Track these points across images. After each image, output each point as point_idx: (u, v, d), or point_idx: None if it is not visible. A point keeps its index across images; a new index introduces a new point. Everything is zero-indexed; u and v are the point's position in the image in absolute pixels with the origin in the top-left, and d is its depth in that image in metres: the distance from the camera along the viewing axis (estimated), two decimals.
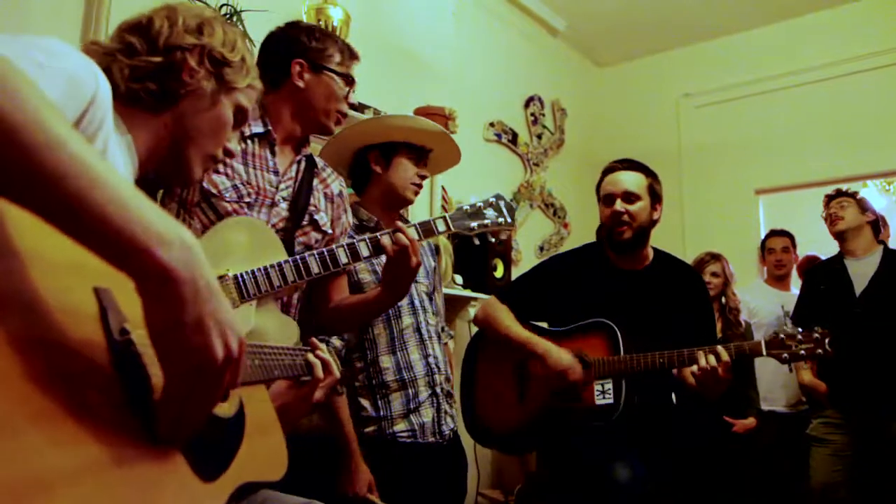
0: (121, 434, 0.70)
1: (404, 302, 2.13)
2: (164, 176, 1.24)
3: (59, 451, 0.62)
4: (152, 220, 0.65)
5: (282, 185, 1.67)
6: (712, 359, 2.02)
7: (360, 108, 3.21)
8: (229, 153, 1.22)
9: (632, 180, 2.33)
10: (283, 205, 1.66)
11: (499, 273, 3.64)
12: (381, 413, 2.05)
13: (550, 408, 2.25)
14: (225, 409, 0.97)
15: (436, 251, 3.30)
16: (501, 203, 1.75)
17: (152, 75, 1.10)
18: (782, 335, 2.09)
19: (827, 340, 2.04)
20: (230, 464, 0.91)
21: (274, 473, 1.07)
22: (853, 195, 3.22)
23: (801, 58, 4.70)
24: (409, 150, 2.16)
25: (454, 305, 3.53)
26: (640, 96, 5.38)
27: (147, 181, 1.17)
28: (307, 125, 1.74)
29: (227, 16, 2.65)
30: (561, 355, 2.18)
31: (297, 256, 1.47)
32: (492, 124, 4.39)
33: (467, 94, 4.09)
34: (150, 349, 0.77)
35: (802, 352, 2.06)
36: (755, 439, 3.45)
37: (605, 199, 2.36)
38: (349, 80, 1.78)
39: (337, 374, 1.39)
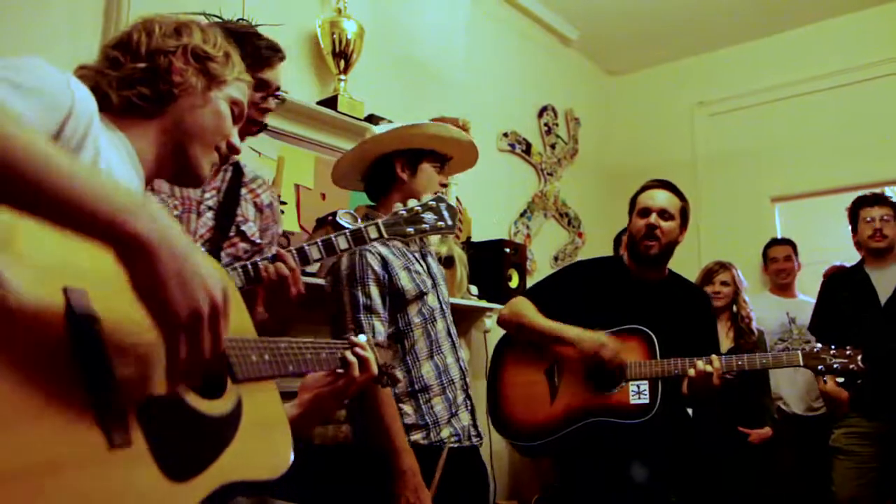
0: (81, 435, 0.71)
1: (436, 305, 2.11)
2: (175, 178, 1.26)
3: (15, 454, 0.62)
4: (117, 194, 0.74)
5: (206, 194, 1.65)
6: (707, 365, 2.16)
7: (374, 119, 3.23)
8: (234, 149, 1.24)
9: (669, 200, 2.43)
10: (210, 214, 1.64)
11: (514, 283, 3.64)
12: (428, 419, 2.02)
13: (583, 407, 2.29)
14: (214, 407, 0.95)
15: (450, 262, 3.31)
16: (442, 206, 1.63)
17: (141, 81, 1.13)
18: (816, 349, 2.19)
19: (859, 357, 2.14)
20: (212, 463, 0.89)
21: (269, 472, 1.04)
22: (892, 205, 3.14)
23: (817, 64, 4.67)
24: (434, 158, 2.14)
25: (469, 316, 3.53)
26: (653, 105, 5.37)
27: None
28: None
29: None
30: (595, 334, 2.28)
31: None
32: (505, 134, 4.40)
33: (481, 104, 4.11)
34: (118, 343, 0.79)
35: (836, 365, 2.17)
36: (776, 444, 3.43)
37: (641, 212, 2.43)
38: (257, 85, 1.67)
39: (375, 370, 1.38)
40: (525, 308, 2.45)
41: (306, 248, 1.47)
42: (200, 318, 0.78)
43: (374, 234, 1.52)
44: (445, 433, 2.03)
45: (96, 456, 0.72)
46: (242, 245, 1.68)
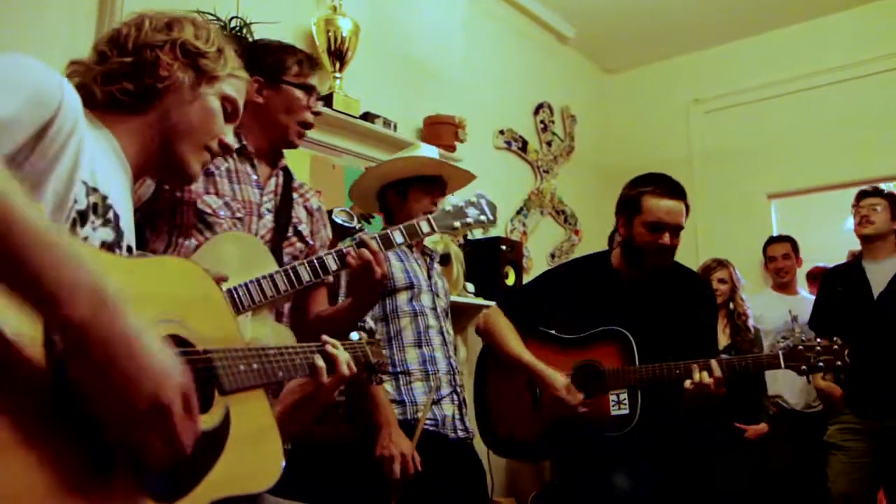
0: (63, 463, 0.69)
1: (428, 306, 2.25)
2: (163, 175, 1.25)
3: None
4: (63, 267, 0.66)
5: (265, 198, 1.72)
6: (705, 375, 2.04)
7: (370, 117, 3.22)
8: (226, 147, 1.21)
9: (682, 212, 2.20)
10: (269, 216, 1.71)
11: (510, 280, 3.64)
12: (406, 398, 2.13)
13: (567, 417, 2.23)
14: (201, 422, 0.92)
15: (447, 259, 3.32)
16: (483, 201, 1.84)
17: (125, 75, 1.10)
18: (801, 346, 2.09)
19: (846, 352, 2.04)
20: (200, 481, 0.87)
21: (259, 485, 1.01)
22: (888, 196, 3.15)
23: (812, 61, 4.68)
24: (422, 182, 2.33)
25: (466, 313, 3.53)
26: (649, 102, 5.37)
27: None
28: (274, 140, 1.78)
29: (238, 28, 2.67)
30: (557, 381, 2.18)
31: (287, 266, 1.53)
32: (501, 132, 4.40)
33: (477, 102, 4.10)
34: None
35: (821, 363, 2.06)
36: (771, 440, 3.43)
37: (653, 226, 2.16)
38: (308, 89, 1.79)
39: (345, 371, 1.29)
40: (498, 326, 2.36)
41: (333, 253, 1.60)
42: (137, 417, 0.71)
43: (426, 229, 1.74)
44: (422, 414, 2.13)
45: (79, 483, 0.70)
46: (299, 245, 1.76)
